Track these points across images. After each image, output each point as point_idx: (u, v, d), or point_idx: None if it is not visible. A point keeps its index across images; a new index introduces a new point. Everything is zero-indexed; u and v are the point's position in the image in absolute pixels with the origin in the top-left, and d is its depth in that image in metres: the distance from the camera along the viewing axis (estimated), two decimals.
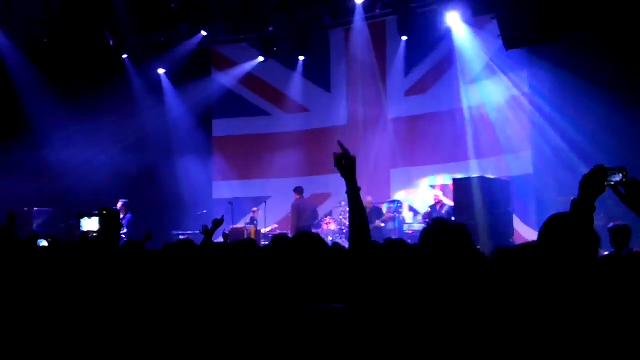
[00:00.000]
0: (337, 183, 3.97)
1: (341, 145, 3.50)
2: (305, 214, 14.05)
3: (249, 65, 17.20)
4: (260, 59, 16.67)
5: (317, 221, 14.33)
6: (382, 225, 13.47)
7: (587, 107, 11.37)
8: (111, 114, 16.61)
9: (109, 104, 16.58)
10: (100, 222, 5.17)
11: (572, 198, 3.07)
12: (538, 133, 12.71)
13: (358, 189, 3.43)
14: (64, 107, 15.66)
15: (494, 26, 12.79)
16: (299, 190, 14.32)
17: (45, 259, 4.32)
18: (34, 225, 14.53)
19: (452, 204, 12.96)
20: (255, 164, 17.51)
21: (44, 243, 6.64)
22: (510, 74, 13.62)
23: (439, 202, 13.31)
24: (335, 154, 3.43)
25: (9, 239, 3.91)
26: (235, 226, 15.00)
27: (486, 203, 11.09)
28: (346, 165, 3.40)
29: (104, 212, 4.05)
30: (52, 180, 15.58)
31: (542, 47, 12.15)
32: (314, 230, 13.83)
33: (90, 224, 6.88)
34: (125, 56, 16.78)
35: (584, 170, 3.19)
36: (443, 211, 13.00)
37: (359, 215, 3.41)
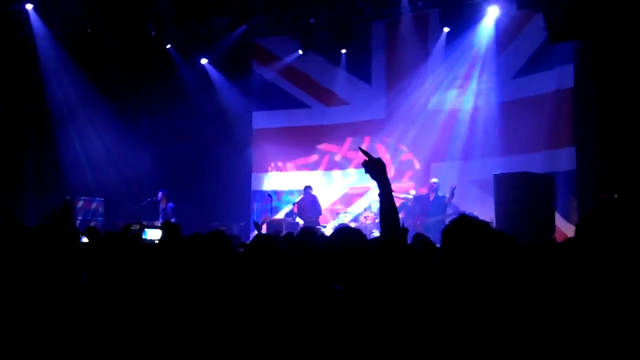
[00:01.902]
0: None
1: (364, 152, 3.54)
2: (305, 208, 14.74)
3: (289, 58, 17.24)
4: (300, 52, 16.71)
5: (318, 213, 14.76)
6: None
7: (635, 103, 11.09)
8: (153, 105, 16.80)
9: (152, 94, 16.79)
10: (164, 233, 5.32)
11: (616, 195, 3.01)
12: (582, 128, 12.45)
13: (390, 190, 3.47)
14: (107, 96, 15.86)
15: (538, 19, 12.59)
16: (306, 188, 14.94)
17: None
18: (78, 215, 14.83)
19: (446, 196, 12.86)
20: (295, 156, 17.57)
21: (84, 240, 6.63)
22: (555, 68, 13.40)
23: (433, 192, 13.28)
24: (364, 162, 3.45)
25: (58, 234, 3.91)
26: (274, 218, 15.09)
27: (527, 199, 10.89)
28: (377, 169, 3.45)
29: (167, 225, 4.21)
30: (94, 170, 15.80)
31: (589, 40, 11.91)
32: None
33: (154, 234, 7.03)
34: (169, 46, 16.89)
35: (632, 166, 3.11)
36: (431, 198, 13.08)
37: (391, 215, 3.45)
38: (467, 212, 13.27)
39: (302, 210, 14.82)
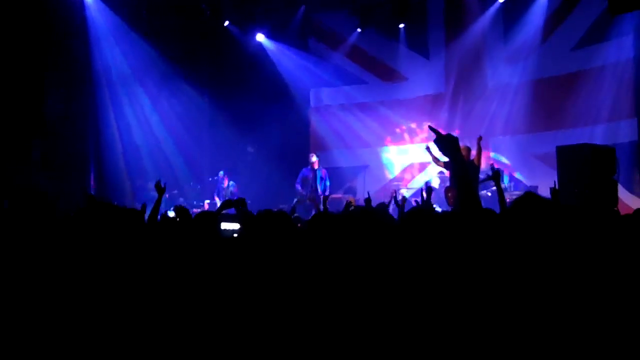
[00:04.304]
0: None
1: (432, 129, 3.56)
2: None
3: (347, 35, 17.25)
4: (358, 30, 16.79)
5: (306, 190, 13.56)
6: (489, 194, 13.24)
7: None
8: (211, 85, 17.07)
9: (210, 74, 17.04)
10: (241, 225, 5.48)
11: None
12: None
13: (464, 164, 3.50)
14: (165, 76, 16.12)
15: None
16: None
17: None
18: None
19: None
20: (353, 133, 17.57)
21: (171, 214, 6.92)
22: (613, 39, 13.37)
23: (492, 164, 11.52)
24: (435, 138, 3.45)
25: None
26: (334, 195, 15.26)
27: (590, 171, 10.94)
28: (448, 145, 3.43)
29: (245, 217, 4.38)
30: (153, 152, 16.11)
31: None
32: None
33: (231, 225, 7.18)
34: (227, 23, 17.09)
35: None
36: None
37: (466, 189, 3.43)
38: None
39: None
